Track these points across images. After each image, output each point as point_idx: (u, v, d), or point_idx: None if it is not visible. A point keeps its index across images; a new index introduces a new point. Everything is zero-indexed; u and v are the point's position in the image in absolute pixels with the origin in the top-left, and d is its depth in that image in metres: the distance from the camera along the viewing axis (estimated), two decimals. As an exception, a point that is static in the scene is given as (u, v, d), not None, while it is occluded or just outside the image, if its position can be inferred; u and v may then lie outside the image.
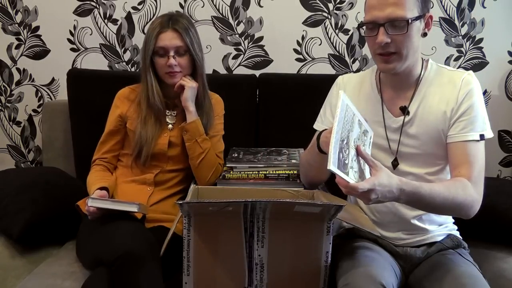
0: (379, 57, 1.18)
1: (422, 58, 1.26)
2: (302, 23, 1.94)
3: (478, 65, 1.95)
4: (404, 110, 1.24)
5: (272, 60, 1.98)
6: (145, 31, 1.95)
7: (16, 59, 2.02)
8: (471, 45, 1.93)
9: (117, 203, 1.33)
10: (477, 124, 1.19)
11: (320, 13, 1.93)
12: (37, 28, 1.98)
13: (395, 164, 1.26)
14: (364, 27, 1.18)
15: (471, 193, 1.13)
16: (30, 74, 2.03)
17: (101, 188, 1.43)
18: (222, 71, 1.99)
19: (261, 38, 1.96)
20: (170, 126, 1.56)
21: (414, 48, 1.18)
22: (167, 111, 1.56)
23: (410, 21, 1.12)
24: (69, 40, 1.99)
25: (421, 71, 1.25)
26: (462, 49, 1.94)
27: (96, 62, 1.99)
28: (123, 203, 1.33)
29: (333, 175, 1.00)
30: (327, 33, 1.94)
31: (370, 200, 1.01)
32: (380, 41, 1.13)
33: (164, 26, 1.46)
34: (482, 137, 1.19)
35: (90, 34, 1.98)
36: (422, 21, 1.17)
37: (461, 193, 1.12)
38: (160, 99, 1.50)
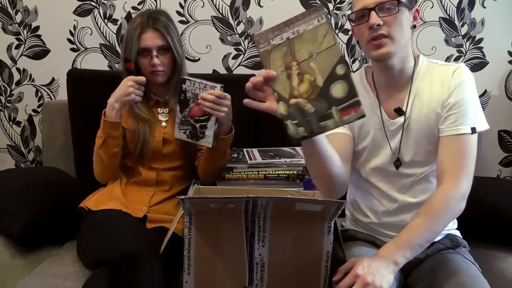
0: (371, 44, 1.16)
1: (413, 56, 1.25)
2: (302, 23, 1.93)
3: (478, 65, 1.95)
4: (399, 111, 1.24)
5: (272, 60, 1.97)
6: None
7: (16, 59, 2.02)
8: (471, 45, 1.93)
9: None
10: (468, 117, 1.17)
11: (320, 13, 1.93)
12: (37, 28, 1.98)
13: (397, 164, 1.26)
14: (353, 18, 1.19)
15: (453, 198, 1.13)
16: (30, 74, 2.03)
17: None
18: (222, 71, 1.99)
19: (261, 38, 1.95)
20: (164, 123, 1.55)
21: (405, 35, 1.17)
22: (159, 108, 1.56)
23: (399, 1, 1.13)
24: (69, 40, 1.99)
25: (414, 68, 1.24)
26: (462, 49, 1.94)
27: (96, 62, 1.98)
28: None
29: None
30: (327, 33, 1.94)
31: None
32: (373, 22, 1.12)
33: (145, 26, 1.44)
34: (473, 130, 1.16)
35: (90, 34, 1.98)
36: (411, 13, 1.18)
37: (446, 212, 1.13)
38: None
